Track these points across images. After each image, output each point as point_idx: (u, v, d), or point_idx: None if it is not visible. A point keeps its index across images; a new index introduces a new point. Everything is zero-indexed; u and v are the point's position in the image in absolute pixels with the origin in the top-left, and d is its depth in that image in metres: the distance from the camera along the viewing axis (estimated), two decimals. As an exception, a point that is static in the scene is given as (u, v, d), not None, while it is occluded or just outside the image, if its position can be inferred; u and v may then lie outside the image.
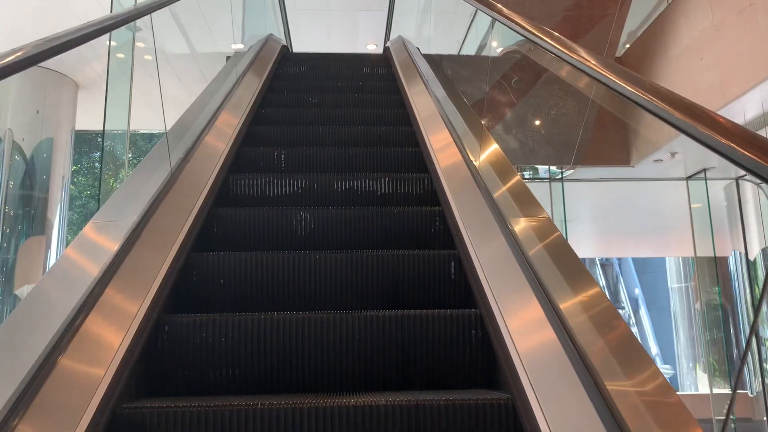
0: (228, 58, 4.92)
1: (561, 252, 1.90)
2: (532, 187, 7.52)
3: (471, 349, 1.99)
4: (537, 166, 7.63)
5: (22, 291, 7.77)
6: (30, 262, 7.86)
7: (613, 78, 1.43)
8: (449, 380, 1.98)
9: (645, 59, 6.59)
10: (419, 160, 3.50)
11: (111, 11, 5.69)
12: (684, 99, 1.14)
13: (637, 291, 16.56)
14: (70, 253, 2.00)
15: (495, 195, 2.51)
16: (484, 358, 1.98)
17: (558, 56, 1.76)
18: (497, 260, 2.18)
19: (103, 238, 2.12)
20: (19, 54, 1.43)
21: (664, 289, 15.41)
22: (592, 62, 1.50)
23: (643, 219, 9.44)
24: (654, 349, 15.86)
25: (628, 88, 1.33)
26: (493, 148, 2.77)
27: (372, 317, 2.01)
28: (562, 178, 7.24)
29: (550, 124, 6.35)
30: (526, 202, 2.32)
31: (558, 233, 2.05)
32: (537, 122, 6.38)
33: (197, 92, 3.72)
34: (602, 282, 16.36)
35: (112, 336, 1.73)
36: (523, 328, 1.79)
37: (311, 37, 9.83)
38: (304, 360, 1.97)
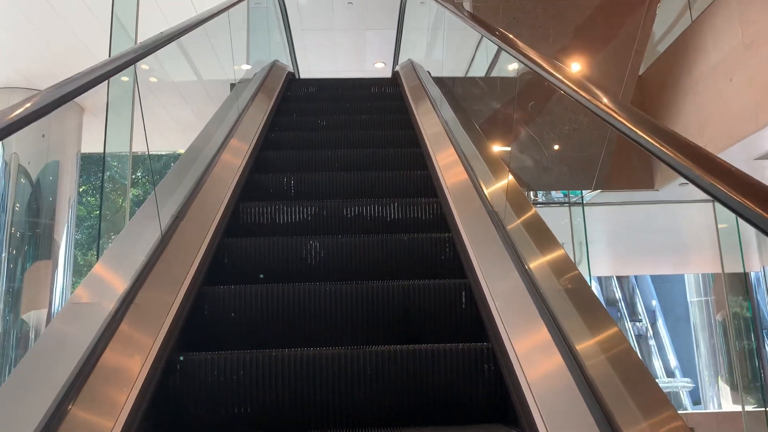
0: (232, 85, 4.95)
1: (574, 283, 1.93)
2: (551, 211, 7.43)
3: (483, 383, 2.01)
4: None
5: (29, 316, 7.85)
6: (37, 286, 7.95)
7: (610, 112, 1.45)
8: (462, 415, 2.01)
9: (668, 78, 6.40)
10: (428, 185, 3.54)
11: (111, 34, 5.78)
12: (694, 147, 1.15)
13: (654, 303, 16.46)
14: (80, 292, 2.04)
15: (505, 222, 2.54)
16: (497, 392, 2.00)
17: (568, 94, 1.78)
18: (508, 290, 2.21)
19: (114, 275, 2.16)
20: (27, 107, 1.48)
21: (681, 299, 15.32)
22: (603, 103, 1.52)
23: (660, 238, 9.33)
24: (673, 361, 15.75)
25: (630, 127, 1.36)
26: (507, 177, 2.79)
27: (383, 352, 2.04)
28: (582, 202, 7.12)
29: (571, 148, 6.21)
30: (536, 230, 2.35)
31: (570, 261, 2.08)
32: (556, 147, 6.24)
33: (196, 113, 3.79)
34: (618, 294, 16.26)
35: (126, 375, 1.76)
36: (535, 362, 1.82)
37: (318, 58, 9.89)
38: (316, 396, 2.00)
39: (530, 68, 2.14)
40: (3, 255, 7.76)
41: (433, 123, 4.19)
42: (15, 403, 1.50)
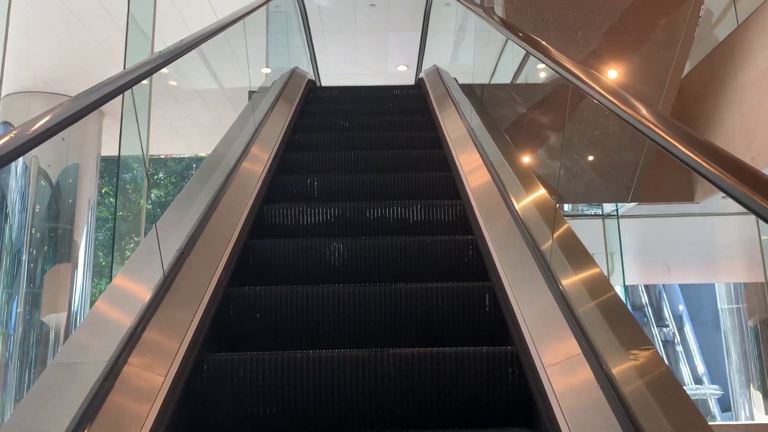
0: (251, 93, 4.89)
1: (602, 291, 1.95)
2: (584, 223, 7.24)
3: (507, 386, 2.05)
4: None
5: (49, 318, 8.00)
6: (56, 289, 8.10)
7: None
8: (486, 418, 2.04)
9: (711, 85, 6.11)
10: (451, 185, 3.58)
11: (126, 34, 5.86)
12: (731, 158, 1.14)
13: (682, 308, 16.32)
14: (109, 294, 2.11)
15: (530, 226, 2.57)
16: (520, 396, 2.03)
17: (603, 104, 1.78)
18: (533, 294, 2.24)
19: (143, 275, 2.23)
20: (48, 119, 1.53)
21: (708, 304, 15.16)
22: (638, 114, 1.52)
23: (690, 248, 9.14)
24: (700, 368, 15.60)
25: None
26: (540, 192, 2.79)
27: (407, 355, 2.08)
28: (617, 214, 6.92)
29: (600, 154, 5.98)
30: (563, 234, 2.37)
31: (597, 267, 2.10)
32: (585, 152, 5.96)
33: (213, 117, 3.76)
34: (645, 299, 16.14)
35: (155, 376, 1.82)
36: (560, 367, 1.84)
37: (339, 60, 9.91)
38: (340, 397, 2.05)
39: (566, 78, 2.15)
40: (24, 258, 7.92)
41: (457, 127, 4.22)
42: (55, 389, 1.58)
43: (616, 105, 1.69)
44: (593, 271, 2.08)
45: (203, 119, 7.97)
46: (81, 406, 1.53)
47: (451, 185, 3.62)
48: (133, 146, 5.34)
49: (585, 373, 1.70)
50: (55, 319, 8.02)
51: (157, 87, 5.29)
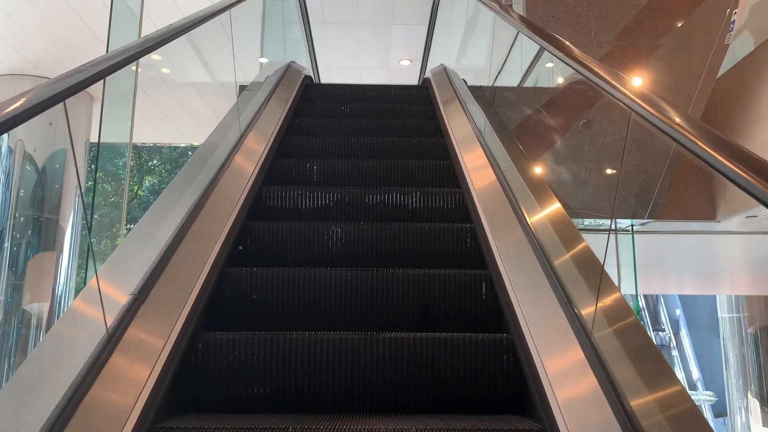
0: (242, 87, 4.69)
1: (596, 276, 1.99)
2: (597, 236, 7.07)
3: (502, 373, 2.09)
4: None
5: (32, 307, 8.00)
6: (40, 278, 8.10)
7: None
8: (479, 404, 2.09)
9: (740, 95, 5.88)
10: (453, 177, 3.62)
11: (110, 12, 5.82)
12: None
13: (678, 312, 16.40)
14: (104, 271, 2.14)
15: (528, 214, 2.61)
16: (515, 383, 2.08)
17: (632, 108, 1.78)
18: (529, 282, 2.28)
19: (141, 253, 2.26)
20: (23, 101, 1.50)
21: (705, 309, 15.24)
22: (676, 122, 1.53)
23: (691, 262, 9.07)
24: (695, 373, 15.70)
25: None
26: (542, 185, 2.81)
27: (402, 339, 2.13)
28: (632, 230, 6.79)
29: (609, 159, 5.76)
30: (559, 222, 2.41)
31: (594, 256, 2.14)
32: (609, 171, 5.59)
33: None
34: (642, 303, 16.21)
35: (149, 354, 1.86)
36: (554, 354, 1.89)
37: (339, 53, 9.81)
38: (334, 380, 2.09)
39: (583, 74, 2.16)
40: (6, 245, 7.92)
41: (462, 124, 4.19)
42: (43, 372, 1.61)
43: (647, 110, 1.69)
44: (591, 259, 2.12)
45: (195, 109, 7.96)
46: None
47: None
48: (117, 134, 5.28)
49: (578, 360, 1.74)
50: (37, 308, 8.03)
51: (149, 75, 5.25)
